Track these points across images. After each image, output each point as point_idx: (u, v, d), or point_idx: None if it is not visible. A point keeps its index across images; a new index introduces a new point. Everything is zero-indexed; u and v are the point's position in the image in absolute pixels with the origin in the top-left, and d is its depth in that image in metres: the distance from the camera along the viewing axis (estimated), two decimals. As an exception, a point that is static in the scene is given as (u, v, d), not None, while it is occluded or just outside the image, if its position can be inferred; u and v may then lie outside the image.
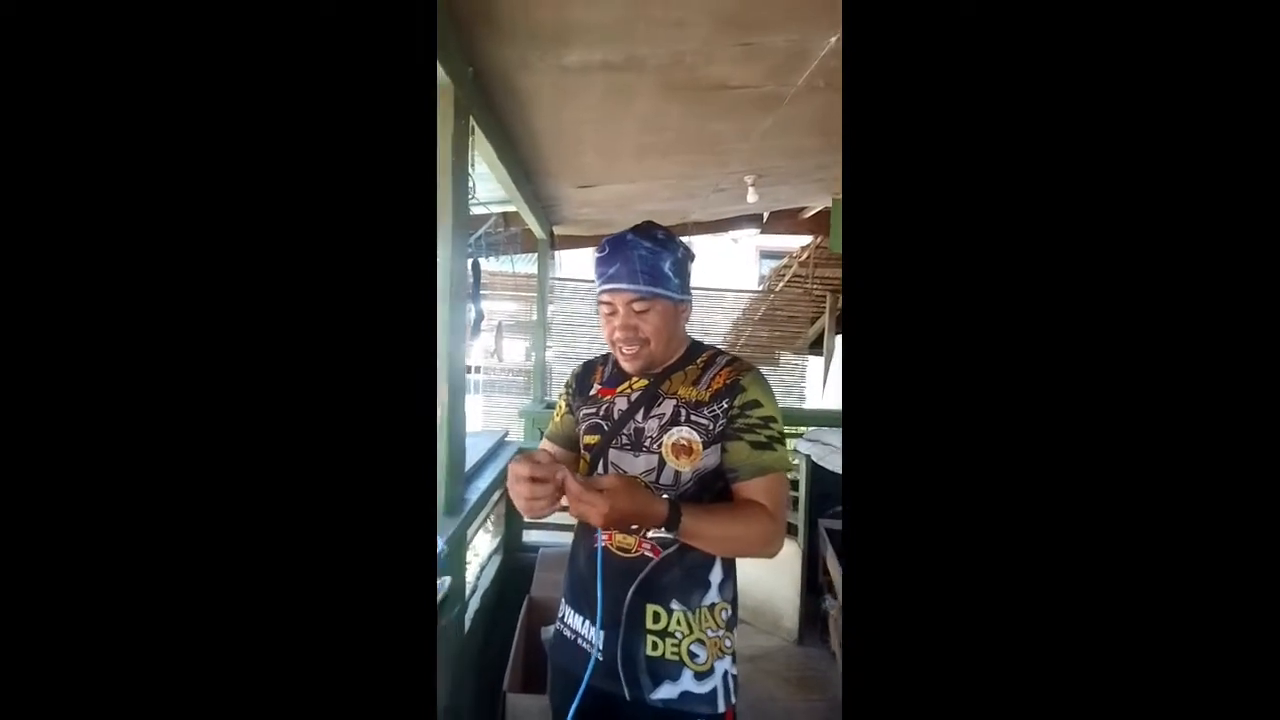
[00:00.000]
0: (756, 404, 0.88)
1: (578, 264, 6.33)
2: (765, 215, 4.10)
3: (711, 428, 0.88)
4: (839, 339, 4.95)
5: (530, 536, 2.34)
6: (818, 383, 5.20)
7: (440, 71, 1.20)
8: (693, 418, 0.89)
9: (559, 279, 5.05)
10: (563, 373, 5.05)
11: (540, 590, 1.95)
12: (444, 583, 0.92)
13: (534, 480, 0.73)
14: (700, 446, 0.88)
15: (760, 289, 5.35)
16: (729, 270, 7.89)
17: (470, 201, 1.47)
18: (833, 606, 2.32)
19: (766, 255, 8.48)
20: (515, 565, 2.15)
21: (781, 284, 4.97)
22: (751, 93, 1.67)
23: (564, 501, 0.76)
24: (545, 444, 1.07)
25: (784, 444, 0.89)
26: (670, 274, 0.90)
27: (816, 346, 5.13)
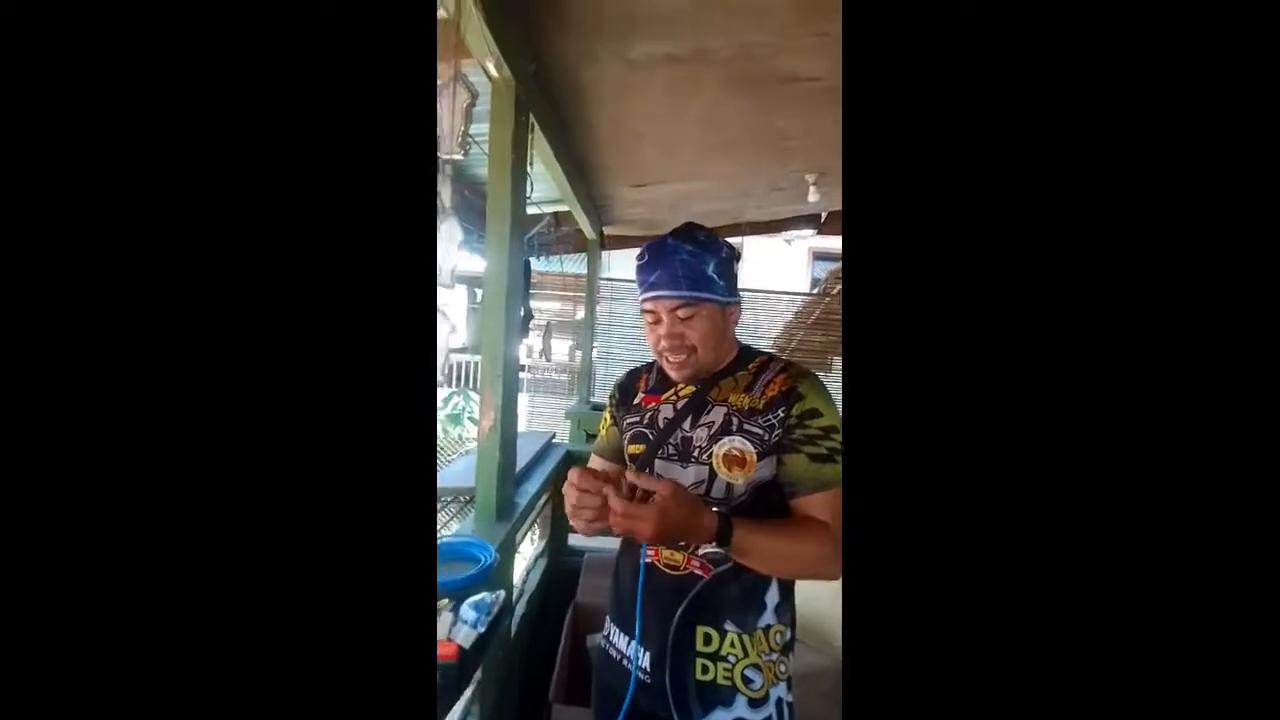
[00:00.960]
0: (816, 413, 0.82)
1: (625, 265, 6.33)
2: (823, 215, 3.95)
3: (766, 438, 0.82)
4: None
5: (576, 540, 2.31)
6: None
7: (505, 68, 1.17)
8: (746, 426, 0.83)
9: (606, 279, 5.03)
10: (606, 375, 5.03)
11: (586, 596, 1.92)
12: (497, 596, 0.88)
13: (581, 490, 0.72)
14: (754, 457, 0.82)
15: (814, 292, 5.18)
16: (780, 272, 7.70)
17: (527, 200, 1.44)
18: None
19: (820, 257, 8.23)
20: (561, 569, 2.13)
21: (838, 286, 4.79)
22: (822, 85, 1.58)
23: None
24: (594, 460, 1.03)
25: None
26: (715, 276, 0.84)
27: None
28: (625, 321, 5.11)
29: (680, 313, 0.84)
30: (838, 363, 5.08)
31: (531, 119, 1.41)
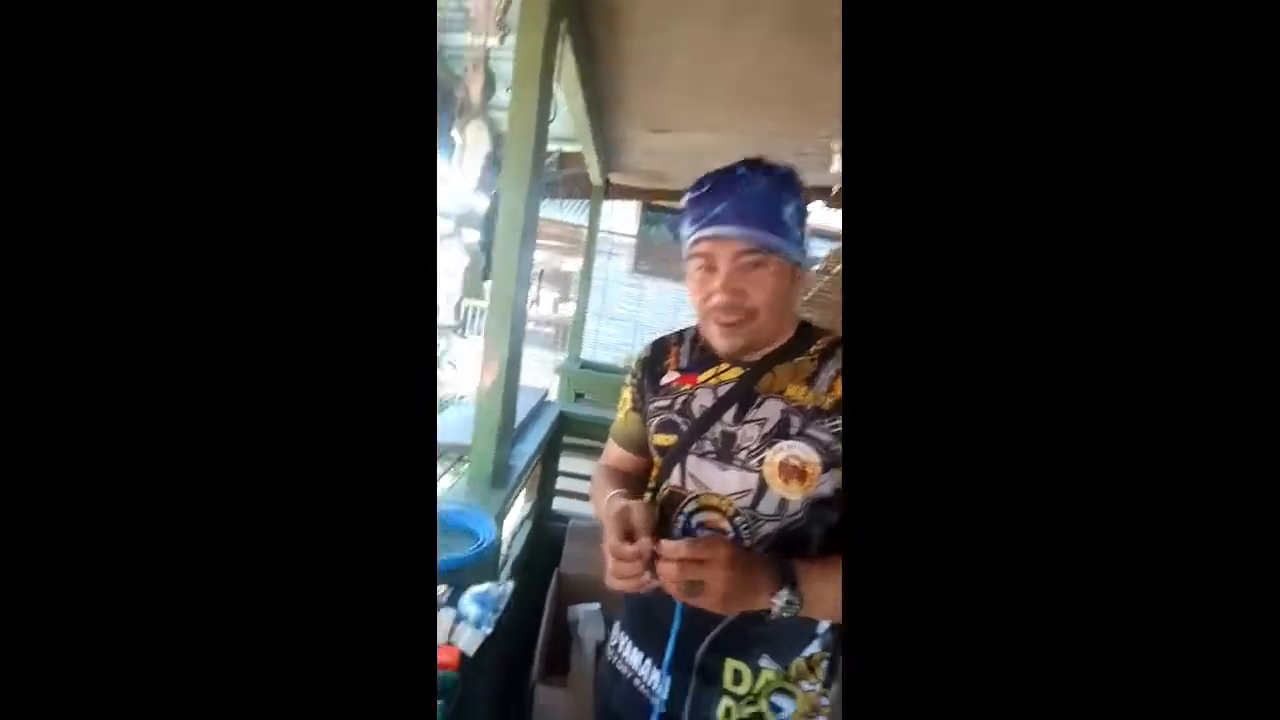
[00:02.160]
0: None
1: (624, 219, 6.08)
2: (833, 189, 3.79)
3: (835, 447, 0.65)
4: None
5: (561, 505, 2.20)
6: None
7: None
8: (808, 430, 0.65)
9: (605, 231, 4.81)
10: (597, 331, 4.84)
11: (570, 566, 1.82)
12: (505, 590, 0.75)
13: (619, 560, 0.60)
14: (818, 470, 0.64)
15: (815, 269, 5.05)
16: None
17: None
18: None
19: (816, 234, 8.09)
20: (544, 536, 2.02)
21: (838, 266, 4.66)
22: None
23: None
24: (610, 447, 0.86)
25: None
26: (791, 224, 0.66)
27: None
28: (620, 278, 4.94)
29: (745, 259, 0.64)
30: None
31: (563, 29, 1.21)
